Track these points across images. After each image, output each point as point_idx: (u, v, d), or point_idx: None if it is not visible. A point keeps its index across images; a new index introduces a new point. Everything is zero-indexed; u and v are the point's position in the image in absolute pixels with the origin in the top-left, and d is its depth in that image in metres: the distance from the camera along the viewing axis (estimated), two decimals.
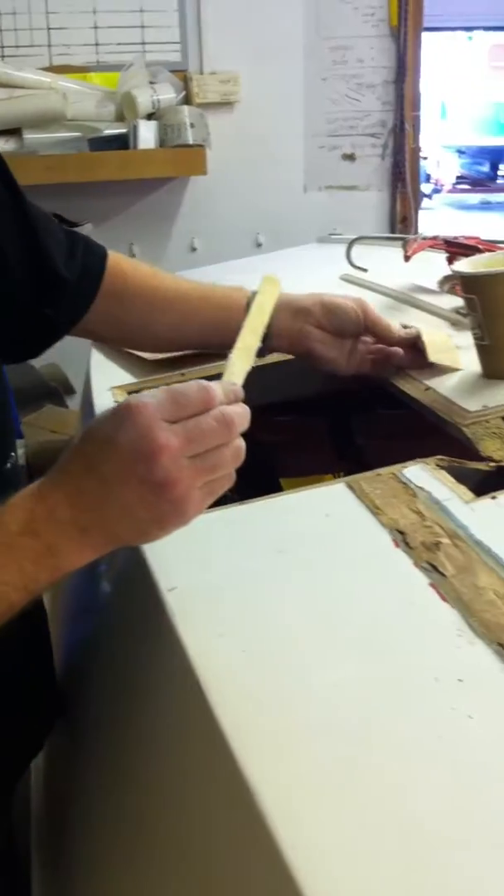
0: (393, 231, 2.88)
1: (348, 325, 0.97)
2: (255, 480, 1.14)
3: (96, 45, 2.66)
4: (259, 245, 2.85)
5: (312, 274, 1.69)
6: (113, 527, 0.59)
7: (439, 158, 9.47)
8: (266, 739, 0.50)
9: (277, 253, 2.18)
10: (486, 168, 9.53)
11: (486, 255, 1.01)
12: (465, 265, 0.96)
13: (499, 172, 9.68)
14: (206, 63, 2.70)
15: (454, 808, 0.44)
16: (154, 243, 2.80)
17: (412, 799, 0.45)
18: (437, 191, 9.56)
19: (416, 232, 2.73)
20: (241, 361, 0.68)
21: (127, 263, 0.99)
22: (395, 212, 2.91)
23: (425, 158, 9.27)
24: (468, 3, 6.36)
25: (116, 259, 0.98)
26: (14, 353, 0.93)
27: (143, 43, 2.67)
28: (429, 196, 9.35)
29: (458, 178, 9.71)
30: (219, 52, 2.70)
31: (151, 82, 2.58)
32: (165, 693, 0.63)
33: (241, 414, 0.61)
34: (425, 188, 9.27)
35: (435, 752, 0.47)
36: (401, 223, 2.90)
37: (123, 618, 0.77)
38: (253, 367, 1.11)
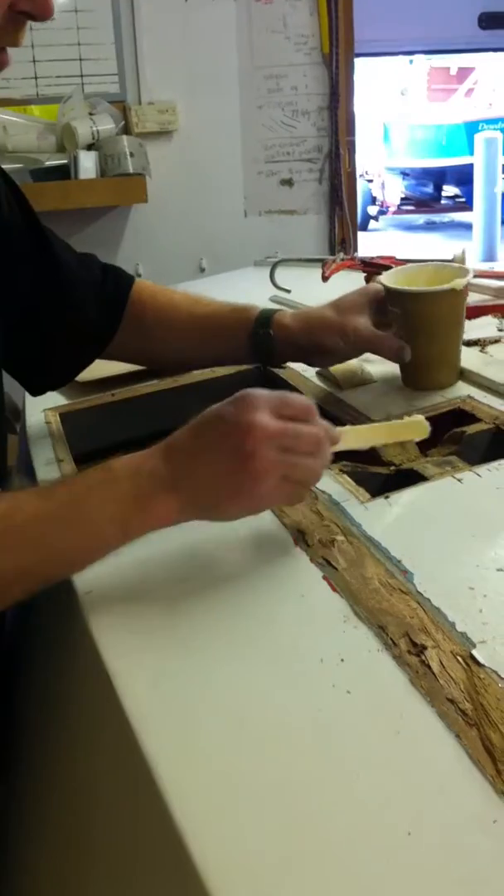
0: (332, 253, 2.96)
1: (339, 360, 1.03)
2: None
3: (35, 77, 2.71)
4: (202, 270, 2.90)
5: (247, 296, 1.74)
6: (197, 489, 0.66)
7: (384, 180, 9.62)
8: (166, 721, 0.55)
9: (216, 277, 2.24)
10: (430, 189, 9.70)
11: (411, 266, 1.02)
12: (388, 277, 0.98)
13: (443, 193, 9.86)
14: (143, 93, 2.77)
15: (328, 771, 0.49)
16: None
17: (289, 764, 0.50)
18: (382, 212, 9.72)
19: (355, 253, 2.80)
20: (353, 434, 0.78)
21: (147, 294, 1.05)
22: (333, 234, 2.98)
23: (370, 181, 9.44)
24: (406, 28, 6.49)
25: (139, 290, 1.04)
26: (45, 383, 1.06)
27: (82, 75, 2.73)
28: (375, 218, 9.51)
29: (403, 199, 9.87)
30: (156, 83, 2.77)
31: (91, 113, 2.64)
32: (81, 686, 0.68)
33: (331, 450, 0.71)
34: (371, 210, 9.44)
35: (314, 723, 0.52)
36: (339, 245, 2.98)
37: (48, 622, 0.81)
38: (177, 387, 1.16)
